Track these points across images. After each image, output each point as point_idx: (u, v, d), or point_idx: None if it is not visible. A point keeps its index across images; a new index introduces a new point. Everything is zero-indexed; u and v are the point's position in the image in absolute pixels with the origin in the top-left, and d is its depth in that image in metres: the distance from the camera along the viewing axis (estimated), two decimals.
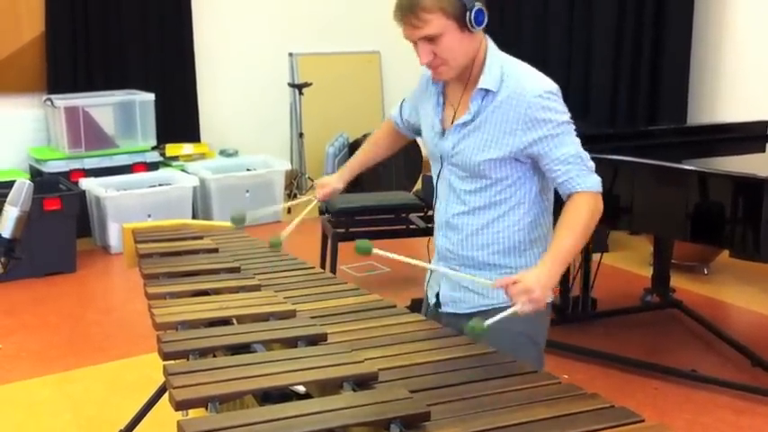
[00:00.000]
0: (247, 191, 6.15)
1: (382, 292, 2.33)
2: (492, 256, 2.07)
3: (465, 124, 2.04)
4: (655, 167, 3.51)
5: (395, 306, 2.18)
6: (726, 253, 3.86)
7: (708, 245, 4.28)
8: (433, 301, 2.23)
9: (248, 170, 6.33)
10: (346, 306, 2.18)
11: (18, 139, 5.95)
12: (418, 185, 6.39)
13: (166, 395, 1.61)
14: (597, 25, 5.92)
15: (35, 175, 5.74)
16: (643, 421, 1.50)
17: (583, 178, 1.95)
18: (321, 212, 4.86)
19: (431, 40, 1.93)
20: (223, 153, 6.62)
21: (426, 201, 4.67)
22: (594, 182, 1.97)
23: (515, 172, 2.02)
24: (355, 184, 6.66)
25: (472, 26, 1.92)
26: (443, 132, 2.10)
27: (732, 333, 4.03)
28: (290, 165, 6.71)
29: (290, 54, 7.11)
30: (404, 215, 4.72)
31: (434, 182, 2.18)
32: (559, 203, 2.04)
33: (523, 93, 1.95)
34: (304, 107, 6.93)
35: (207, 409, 1.55)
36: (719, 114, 5.39)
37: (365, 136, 6.69)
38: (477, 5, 1.92)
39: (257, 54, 6.96)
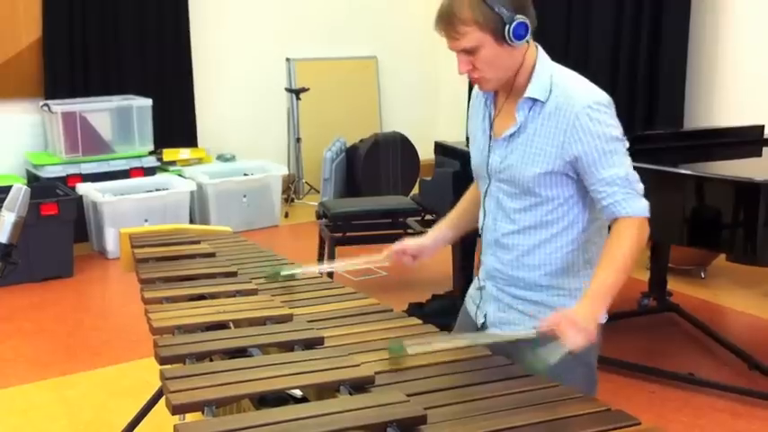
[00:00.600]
0: (245, 196, 6.15)
1: (379, 296, 2.33)
2: (544, 277, 1.99)
3: (512, 136, 1.96)
4: (651, 172, 3.51)
5: (392, 310, 2.18)
6: (723, 257, 3.86)
7: (705, 249, 4.28)
8: (481, 321, 2.12)
9: (245, 175, 6.33)
10: (343, 310, 2.18)
11: (15, 144, 5.94)
12: (415, 190, 6.39)
13: (163, 399, 1.61)
14: (594, 29, 5.94)
15: (32, 180, 5.74)
16: (639, 424, 1.50)
17: (629, 202, 1.86)
18: (318, 217, 4.86)
19: (469, 52, 1.87)
20: (220, 158, 6.62)
21: (423, 205, 4.67)
22: (641, 207, 1.87)
23: (567, 190, 1.94)
24: (354, 189, 6.69)
25: (511, 40, 1.85)
26: (491, 146, 2.02)
27: (729, 336, 4.04)
28: (287, 169, 6.71)
29: (288, 59, 7.12)
30: (401, 219, 4.72)
31: (482, 198, 2.09)
32: None
33: (572, 103, 1.88)
34: (301, 112, 6.93)
35: (203, 413, 1.55)
36: (716, 118, 5.40)
37: (362, 141, 6.72)
38: (519, 19, 1.84)
39: (255, 59, 6.96)
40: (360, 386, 1.65)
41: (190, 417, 1.56)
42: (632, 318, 4.39)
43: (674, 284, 4.58)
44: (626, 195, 1.86)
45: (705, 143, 4.36)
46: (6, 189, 2.10)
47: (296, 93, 6.84)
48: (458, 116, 6.87)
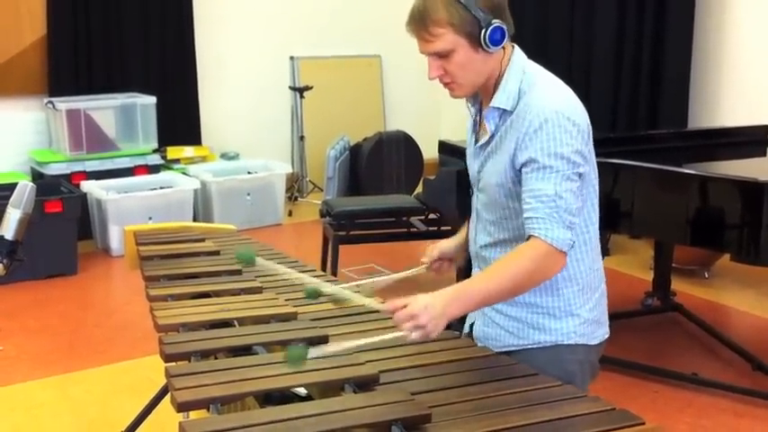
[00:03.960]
0: (248, 194, 6.16)
1: (383, 294, 2.33)
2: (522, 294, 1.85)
3: (483, 146, 1.88)
4: (655, 171, 3.51)
5: None
6: (726, 257, 3.86)
7: (708, 249, 4.27)
8: (466, 330, 2.06)
9: (249, 173, 6.33)
10: (347, 308, 2.17)
11: (19, 141, 5.95)
12: (419, 189, 6.39)
13: (168, 397, 1.61)
14: (598, 29, 5.93)
15: (36, 177, 5.74)
16: (643, 423, 1.50)
17: (548, 225, 1.70)
18: (322, 215, 4.86)
19: (441, 55, 1.78)
20: (224, 156, 6.63)
21: (427, 204, 4.66)
22: (559, 237, 1.70)
23: None
24: (357, 188, 6.69)
25: (487, 46, 1.75)
26: (474, 155, 1.95)
27: (733, 337, 4.03)
28: (290, 168, 6.72)
29: (292, 57, 7.12)
30: (405, 218, 4.72)
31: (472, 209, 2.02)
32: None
33: (532, 111, 1.76)
34: (305, 110, 6.94)
35: (208, 410, 1.56)
36: (720, 118, 5.39)
37: (366, 139, 6.72)
38: (496, 23, 1.74)
39: (258, 57, 6.97)
40: (364, 384, 1.65)
41: (194, 414, 1.56)
42: (636, 317, 4.38)
43: (677, 284, 4.57)
44: (549, 217, 1.70)
45: (709, 143, 4.36)
46: (11, 186, 2.11)
47: (300, 91, 6.84)
48: (462, 115, 6.85)
